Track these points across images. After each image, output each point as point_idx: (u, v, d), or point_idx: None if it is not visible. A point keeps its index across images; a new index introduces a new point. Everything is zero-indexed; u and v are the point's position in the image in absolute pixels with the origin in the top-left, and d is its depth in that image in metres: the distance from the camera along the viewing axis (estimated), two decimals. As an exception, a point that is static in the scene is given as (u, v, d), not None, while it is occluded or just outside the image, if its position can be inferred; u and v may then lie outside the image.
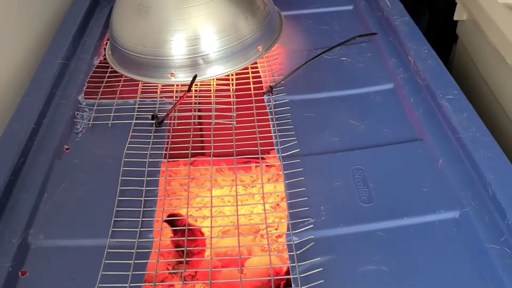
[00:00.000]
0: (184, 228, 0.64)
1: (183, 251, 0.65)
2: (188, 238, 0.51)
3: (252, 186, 0.78)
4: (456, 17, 0.78)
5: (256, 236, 0.72)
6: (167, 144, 0.59)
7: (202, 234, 0.67)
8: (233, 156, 0.58)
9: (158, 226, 0.51)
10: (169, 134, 0.61)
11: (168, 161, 0.57)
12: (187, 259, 0.49)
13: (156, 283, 0.46)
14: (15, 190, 0.51)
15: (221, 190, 0.71)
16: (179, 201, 0.65)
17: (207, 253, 0.67)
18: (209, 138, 0.60)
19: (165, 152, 0.58)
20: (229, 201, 0.72)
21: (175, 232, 0.65)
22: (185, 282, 0.46)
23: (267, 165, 0.77)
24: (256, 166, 0.79)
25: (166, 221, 0.60)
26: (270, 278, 0.56)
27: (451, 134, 0.55)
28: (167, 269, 0.67)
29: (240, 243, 0.50)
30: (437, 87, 0.59)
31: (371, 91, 0.65)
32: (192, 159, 0.58)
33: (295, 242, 0.48)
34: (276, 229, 0.73)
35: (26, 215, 0.49)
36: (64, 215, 0.50)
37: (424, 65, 0.63)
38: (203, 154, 0.71)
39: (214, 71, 0.67)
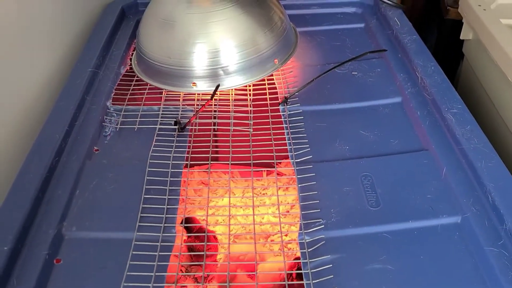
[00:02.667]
0: (200, 232, 0.69)
1: (197, 254, 0.69)
2: (208, 243, 0.54)
3: (264, 194, 0.82)
4: (462, 36, 0.82)
5: (267, 242, 0.76)
6: (189, 148, 0.63)
7: (216, 239, 0.71)
8: (250, 160, 0.62)
9: (180, 218, 0.55)
10: (190, 139, 0.65)
11: (189, 166, 0.61)
12: (202, 262, 0.53)
13: (179, 274, 0.50)
14: (50, 186, 0.56)
15: (237, 195, 0.75)
16: (196, 204, 0.69)
17: (219, 256, 0.71)
18: (228, 144, 0.64)
19: (187, 155, 0.62)
20: (241, 207, 0.76)
21: (189, 235, 0.69)
22: (202, 283, 0.49)
23: (280, 173, 0.81)
24: (270, 173, 0.83)
25: (182, 224, 0.64)
26: (282, 277, 0.59)
27: (454, 145, 0.58)
28: (180, 270, 0.71)
29: (255, 248, 0.53)
30: (442, 102, 0.63)
31: (380, 104, 0.69)
32: (212, 162, 0.62)
33: (307, 241, 0.52)
34: (286, 235, 0.76)
35: (61, 209, 0.53)
36: (94, 210, 0.54)
37: (431, 80, 0.67)
38: (219, 159, 0.75)
39: (233, 82, 0.71)
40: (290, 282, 0.50)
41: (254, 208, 0.57)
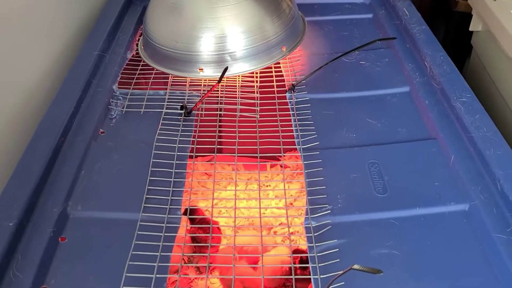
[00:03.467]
0: (202, 220, 0.68)
1: (199, 245, 0.69)
2: (210, 235, 0.54)
3: (267, 186, 0.82)
4: (471, 28, 0.81)
5: (270, 232, 0.76)
6: (195, 133, 0.63)
7: (219, 230, 0.71)
8: (257, 152, 0.61)
9: (187, 205, 0.54)
10: (196, 123, 0.65)
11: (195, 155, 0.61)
12: (206, 254, 0.53)
13: (182, 265, 0.49)
14: (56, 165, 0.55)
15: (240, 187, 0.74)
16: (201, 194, 0.69)
17: (222, 247, 0.71)
18: (234, 129, 0.64)
19: (192, 145, 0.61)
20: (244, 199, 0.76)
21: (192, 224, 0.69)
22: (207, 275, 0.49)
23: (285, 165, 0.81)
24: (274, 165, 0.83)
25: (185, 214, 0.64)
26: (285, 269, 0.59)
27: (463, 134, 0.58)
28: (183, 259, 0.70)
29: (260, 238, 0.53)
30: (451, 91, 0.63)
31: (388, 93, 0.69)
32: (218, 154, 0.62)
33: (313, 225, 0.51)
34: (290, 227, 0.76)
35: (66, 188, 0.53)
36: (100, 190, 0.54)
37: (440, 70, 0.66)
38: (224, 150, 0.75)
39: (240, 68, 0.71)
40: (296, 265, 0.49)
41: (260, 200, 0.57)
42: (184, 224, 0.52)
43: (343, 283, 0.45)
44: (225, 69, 0.59)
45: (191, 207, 0.66)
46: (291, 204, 0.79)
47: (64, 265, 0.47)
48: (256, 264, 0.68)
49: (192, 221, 0.69)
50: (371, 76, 0.72)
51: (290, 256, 0.54)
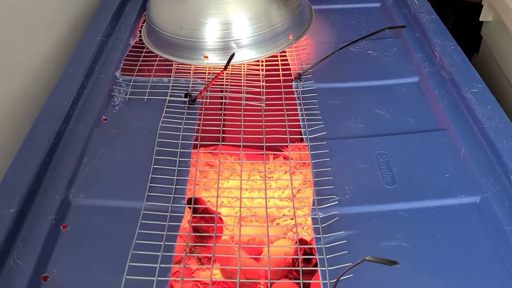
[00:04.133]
0: (205, 211, 0.67)
1: (201, 235, 0.68)
2: (213, 225, 0.53)
3: (270, 178, 0.80)
4: (482, 18, 0.80)
5: (273, 223, 0.75)
6: (199, 121, 0.62)
7: (222, 220, 0.70)
8: (263, 142, 0.60)
9: (190, 194, 0.53)
10: (201, 112, 0.63)
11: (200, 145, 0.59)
12: (212, 244, 0.52)
13: (186, 255, 0.48)
14: (57, 152, 0.54)
15: (243, 178, 0.73)
16: (206, 185, 0.68)
17: (224, 237, 0.70)
18: (239, 118, 0.62)
19: (197, 134, 0.60)
20: (247, 190, 0.75)
21: (194, 216, 0.68)
22: (212, 266, 0.47)
23: (292, 154, 0.80)
24: (277, 156, 0.81)
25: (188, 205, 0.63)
26: (288, 260, 0.58)
27: (474, 125, 0.57)
28: (185, 250, 0.69)
29: (264, 229, 0.52)
30: (462, 81, 0.61)
31: (396, 83, 0.67)
32: (222, 144, 0.60)
33: (320, 216, 0.50)
34: (292, 219, 0.75)
35: (68, 175, 0.52)
36: (102, 178, 0.53)
37: (450, 60, 0.65)
38: (229, 139, 0.74)
39: (245, 56, 0.70)
40: (301, 256, 0.48)
41: (266, 190, 0.55)
42: (187, 214, 0.51)
43: (351, 275, 0.44)
44: (232, 56, 0.58)
45: (194, 197, 0.65)
46: (295, 196, 0.78)
47: (66, 253, 0.46)
48: (259, 255, 0.67)
49: (195, 211, 0.68)
50: (379, 66, 0.70)
51: (294, 248, 0.53)
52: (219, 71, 0.62)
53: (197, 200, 0.68)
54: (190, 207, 0.63)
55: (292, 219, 0.77)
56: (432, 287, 0.43)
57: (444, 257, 0.46)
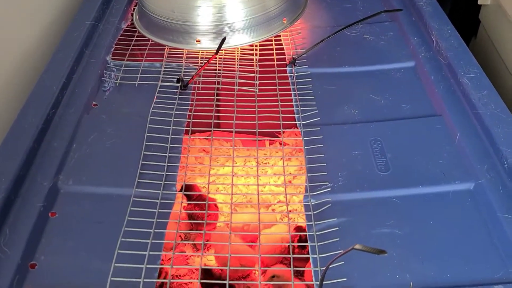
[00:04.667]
0: (199, 197, 0.66)
1: (196, 222, 0.67)
2: (208, 212, 0.52)
3: (266, 164, 0.80)
4: (480, 1, 0.78)
5: (268, 209, 0.74)
6: (191, 107, 0.61)
7: (217, 207, 0.69)
8: (256, 128, 0.59)
9: (181, 180, 0.52)
10: (193, 97, 0.62)
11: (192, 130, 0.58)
12: (202, 231, 0.51)
13: (177, 242, 0.48)
14: (46, 138, 0.53)
15: (239, 164, 0.73)
16: (197, 171, 0.67)
17: (219, 224, 0.69)
18: (232, 103, 0.61)
19: (188, 120, 0.59)
20: (242, 176, 0.74)
21: (190, 202, 0.67)
22: (202, 253, 0.47)
23: (284, 143, 0.79)
24: (273, 142, 0.81)
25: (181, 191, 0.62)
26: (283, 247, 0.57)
27: (470, 110, 0.56)
28: (180, 235, 0.69)
29: (258, 215, 0.51)
30: (458, 66, 0.60)
31: (392, 68, 0.66)
32: (215, 130, 0.59)
33: (312, 203, 0.50)
34: (287, 205, 0.75)
35: (57, 161, 0.51)
36: (92, 164, 0.52)
37: (447, 44, 0.64)
38: (222, 125, 0.73)
39: (239, 40, 0.68)
40: (295, 243, 0.48)
41: (259, 177, 0.55)
42: (179, 201, 0.51)
43: (342, 262, 0.43)
44: (223, 39, 0.56)
45: (187, 184, 0.64)
46: (290, 182, 0.78)
47: (54, 241, 0.45)
48: (255, 241, 0.67)
49: (188, 197, 0.68)
50: (375, 50, 0.69)
51: (288, 234, 0.53)
52: (212, 56, 0.61)
53: (191, 187, 0.67)
54: (184, 194, 0.63)
55: (288, 204, 0.76)
56: (424, 274, 0.43)
57: (437, 244, 0.46)
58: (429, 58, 0.65)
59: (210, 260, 0.66)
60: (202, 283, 0.57)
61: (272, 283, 0.59)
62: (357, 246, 0.32)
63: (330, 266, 0.39)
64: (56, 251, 0.44)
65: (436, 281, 0.43)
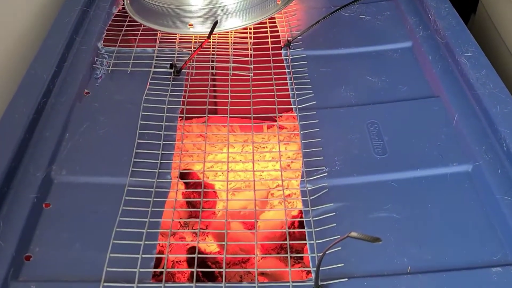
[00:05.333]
0: (198, 187, 0.66)
1: (194, 210, 0.67)
2: (204, 199, 0.51)
3: (264, 148, 0.79)
4: (479, -22, 0.76)
5: (267, 195, 0.74)
6: (185, 93, 0.60)
7: (215, 193, 0.69)
8: (250, 113, 0.58)
9: (176, 168, 0.52)
10: (187, 83, 0.61)
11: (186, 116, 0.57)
12: (198, 219, 0.50)
13: (172, 230, 0.47)
14: (38, 128, 0.52)
15: (236, 149, 0.72)
16: (193, 157, 0.66)
17: (217, 211, 0.69)
18: (227, 89, 0.60)
19: (183, 106, 0.58)
20: (240, 160, 0.73)
21: (187, 188, 0.67)
22: (198, 241, 0.46)
23: (281, 127, 0.78)
24: (270, 127, 0.80)
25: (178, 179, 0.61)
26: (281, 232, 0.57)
27: (468, 91, 0.55)
28: (179, 222, 0.69)
29: (257, 201, 0.51)
30: (456, 45, 0.59)
31: (389, 49, 0.65)
32: (210, 115, 0.59)
33: (309, 189, 0.49)
34: (287, 189, 0.74)
35: (49, 152, 0.50)
36: (85, 154, 0.51)
37: (445, 23, 0.62)
38: (217, 111, 0.72)
39: (232, 23, 0.67)
40: (291, 230, 0.48)
41: (256, 162, 0.54)
42: (174, 188, 0.50)
43: (339, 248, 0.43)
44: (215, 23, 0.55)
45: (183, 171, 0.63)
46: (288, 166, 0.77)
47: (49, 232, 0.45)
48: (252, 227, 0.66)
49: (186, 185, 0.67)
50: (371, 31, 0.68)
51: (289, 220, 0.52)
52: (204, 40, 0.60)
53: (187, 174, 0.67)
54: (180, 182, 0.62)
55: (286, 188, 0.75)
56: (422, 258, 0.43)
57: (434, 227, 0.45)
58: (426, 37, 0.64)
59: (210, 246, 0.66)
60: (199, 271, 0.57)
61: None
62: (352, 234, 0.31)
63: (327, 252, 0.39)
64: (51, 242, 0.44)
65: (434, 264, 0.42)
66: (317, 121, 0.56)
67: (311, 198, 0.48)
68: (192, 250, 0.60)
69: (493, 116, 0.50)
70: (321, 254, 0.38)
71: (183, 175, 0.63)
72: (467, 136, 0.51)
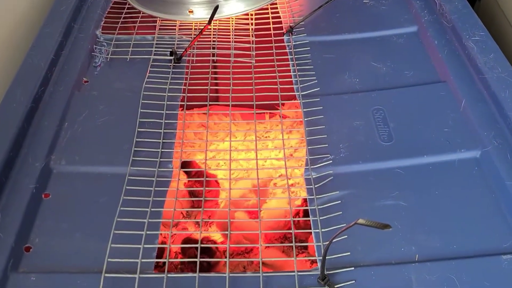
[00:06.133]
0: (200, 176, 0.65)
1: (197, 199, 0.66)
2: (206, 188, 0.50)
3: (266, 137, 0.78)
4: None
5: (270, 184, 0.73)
6: (186, 80, 0.58)
7: (217, 183, 0.68)
8: (253, 101, 0.57)
9: (178, 157, 0.51)
10: (187, 70, 0.60)
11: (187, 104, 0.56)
12: (200, 209, 0.49)
13: (175, 220, 0.46)
14: (36, 117, 0.52)
15: (239, 139, 0.71)
16: (195, 146, 0.65)
17: (221, 200, 0.68)
18: (228, 76, 0.59)
19: (184, 87, 0.57)
20: (243, 151, 0.72)
21: (189, 177, 0.66)
22: (200, 231, 0.45)
23: (284, 115, 0.77)
24: (273, 115, 0.78)
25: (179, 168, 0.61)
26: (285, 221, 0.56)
27: (475, 75, 0.54)
28: (181, 213, 0.68)
29: (258, 190, 0.50)
30: (463, 29, 0.58)
31: (394, 34, 0.64)
32: (211, 103, 0.57)
33: (313, 177, 0.48)
34: (290, 178, 0.73)
35: (48, 141, 0.49)
36: (85, 143, 0.51)
37: (451, 6, 0.61)
38: (218, 99, 0.71)
39: (233, 9, 0.66)
40: (296, 219, 0.47)
41: (259, 151, 0.53)
42: (176, 178, 0.49)
43: (346, 236, 0.42)
44: (216, 8, 0.54)
45: (185, 160, 0.62)
46: (291, 155, 0.76)
47: (49, 222, 0.44)
48: (256, 216, 0.65)
49: (188, 174, 0.66)
50: (376, 16, 0.66)
51: (294, 209, 0.52)
52: (204, 26, 0.58)
53: (189, 163, 0.66)
54: (182, 171, 0.61)
55: (289, 179, 0.74)
56: (430, 246, 0.42)
57: (442, 214, 0.44)
58: (432, 21, 0.62)
59: (214, 236, 0.66)
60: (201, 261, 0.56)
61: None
62: (360, 221, 0.30)
63: (334, 241, 0.38)
64: (51, 233, 0.43)
65: (442, 252, 0.41)
66: (321, 108, 0.55)
67: (316, 186, 0.47)
68: (188, 240, 0.59)
69: (502, 100, 0.49)
70: (327, 242, 0.37)
71: (185, 165, 0.62)
72: (475, 122, 0.50)
